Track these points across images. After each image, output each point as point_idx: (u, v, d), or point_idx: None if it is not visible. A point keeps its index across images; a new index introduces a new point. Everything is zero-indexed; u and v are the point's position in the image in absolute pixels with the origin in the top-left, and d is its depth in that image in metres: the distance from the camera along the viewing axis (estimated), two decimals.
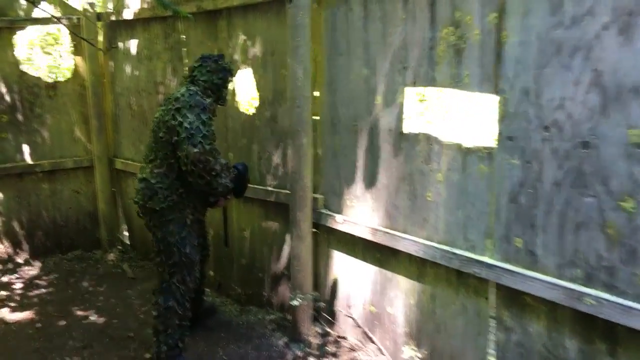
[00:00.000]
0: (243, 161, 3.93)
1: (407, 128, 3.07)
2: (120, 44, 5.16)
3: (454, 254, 2.82)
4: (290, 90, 3.57)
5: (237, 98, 4.24)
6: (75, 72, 5.49)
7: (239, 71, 4.15)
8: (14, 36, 5.26)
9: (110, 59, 5.34)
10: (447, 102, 2.82)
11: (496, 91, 2.60)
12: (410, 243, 3.06)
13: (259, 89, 4.03)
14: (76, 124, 5.55)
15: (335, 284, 3.74)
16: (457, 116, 2.78)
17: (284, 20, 3.67)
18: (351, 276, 3.59)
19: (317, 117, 3.66)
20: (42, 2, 5.25)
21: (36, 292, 4.96)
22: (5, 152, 5.35)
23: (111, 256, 5.66)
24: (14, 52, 5.26)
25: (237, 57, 4.13)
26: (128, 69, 5.13)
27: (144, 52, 4.91)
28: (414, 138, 3.02)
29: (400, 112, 3.07)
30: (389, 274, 3.30)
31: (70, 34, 3.97)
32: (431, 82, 2.88)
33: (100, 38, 5.38)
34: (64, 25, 4.60)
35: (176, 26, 4.57)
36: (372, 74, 3.22)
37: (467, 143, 2.76)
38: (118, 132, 5.50)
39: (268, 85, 3.95)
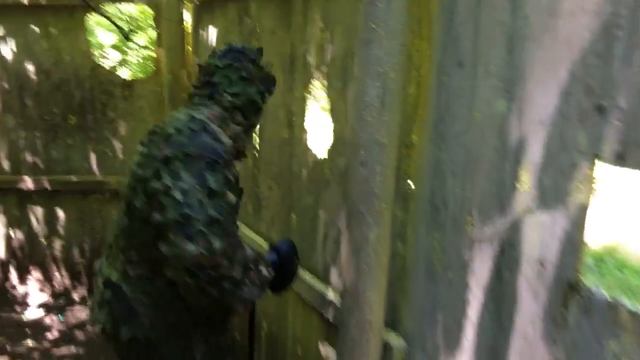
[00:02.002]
0: (288, 238, 2.19)
1: (591, 280, 1.11)
2: (202, 33, 3.76)
3: None
4: (351, 128, 1.78)
5: (307, 128, 2.54)
6: (157, 69, 4.25)
7: (312, 82, 2.46)
8: (88, 18, 4.18)
9: (195, 54, 3.98)
10: None
11: None
12: None
13: (333, 115, 2.29)
14: None
15: None
16: None
17: None
18: None
19: (412, 187, 1.81)
20: None
21: (64, 351, 3.82)
22: (70, 162, 4.32)
23: None
24: (87, 38, 4.18)
25: (310, 58, 2.43)
26: None
27: (219, 45, 3.44)
28: (609, 311, 1.04)
29: (577, 229, 1.12)
30: None
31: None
32: None
33: (189, 21, 4.05)
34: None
35: (250, 8, 3.01)
36: (517, 114, 1.29)
37: None
38: None
39: (346, 110, 2.19)
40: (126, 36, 3.11)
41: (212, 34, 3.56)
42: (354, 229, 1.78)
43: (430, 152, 1.68)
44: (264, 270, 1.80)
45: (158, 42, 4.20)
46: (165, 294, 1.80)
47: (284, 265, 1.99)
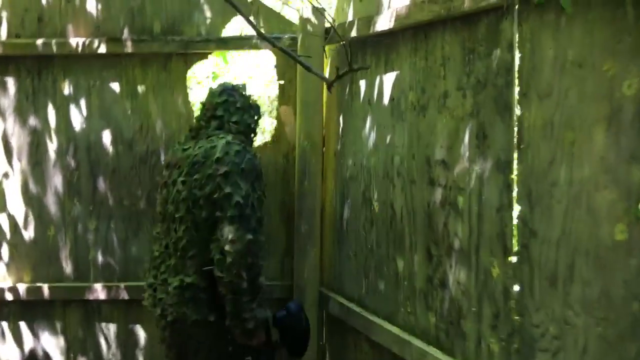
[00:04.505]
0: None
1: None
2: (361, 82, 2.70)
3: None
4: None
5: None
6: (279, 134, 3.17)
7: None
8: (190, 69, 3.16)
9: (338, 111, 2.91)
10: None
11: None
12: None
13: None
14: (273, 223, 3.18)
15: None
16: None
17: None
18: None
19: None
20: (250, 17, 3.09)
21: None
22: None
23: None
24: (188, 96, 3.14)
25: None
26: (371, 132, 2.62)
27: (409, 97, 2.36)
28: None
29: None
30: None
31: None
32: None
33: (327, 69, 3.01)
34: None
35: (500, 31, 1.93)
36: None
37: None
38: (341, 248, 2.94)
39: None
40: (328, 80, 2.01)
41: (385, 81, 2.49)
42: None
43: None
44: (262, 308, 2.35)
45: (280, 98, 3.14)
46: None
47: (292, 319, 2.46)
